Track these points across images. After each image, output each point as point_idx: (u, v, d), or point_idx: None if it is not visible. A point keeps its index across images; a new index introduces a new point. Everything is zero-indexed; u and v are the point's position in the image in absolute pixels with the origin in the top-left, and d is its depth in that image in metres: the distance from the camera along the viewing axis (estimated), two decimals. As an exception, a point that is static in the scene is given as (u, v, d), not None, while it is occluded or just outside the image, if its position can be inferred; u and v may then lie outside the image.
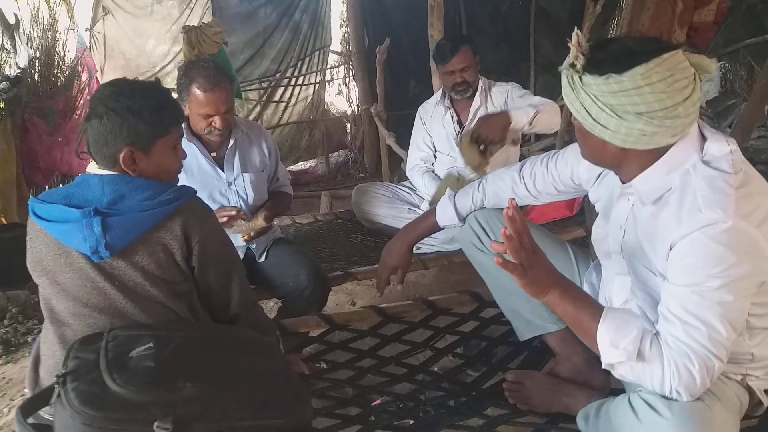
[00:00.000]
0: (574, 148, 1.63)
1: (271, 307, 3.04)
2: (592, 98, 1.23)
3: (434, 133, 3.07)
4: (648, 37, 1.27)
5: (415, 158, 3.15)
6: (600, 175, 1.58)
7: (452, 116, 2.98)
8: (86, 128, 1.44)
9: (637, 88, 1.17)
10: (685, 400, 1.21)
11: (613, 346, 1.25)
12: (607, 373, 1.35)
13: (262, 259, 2.42)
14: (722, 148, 1.25)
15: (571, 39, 1.24)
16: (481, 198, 1.89)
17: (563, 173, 1.70)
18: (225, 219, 2.21)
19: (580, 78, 1.24)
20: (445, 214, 1.94)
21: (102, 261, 1.40)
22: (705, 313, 1.18)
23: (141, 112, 1.43)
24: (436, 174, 3.06)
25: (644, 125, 1.19)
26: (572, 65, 1.25)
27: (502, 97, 2.92)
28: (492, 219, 1.83)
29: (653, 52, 1.17)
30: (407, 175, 3.23)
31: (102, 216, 1.36)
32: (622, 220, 1.44)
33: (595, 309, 1.33)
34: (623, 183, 1.38)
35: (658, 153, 1.27)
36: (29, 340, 2.99)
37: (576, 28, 1.27)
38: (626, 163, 1.32)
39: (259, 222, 2.24)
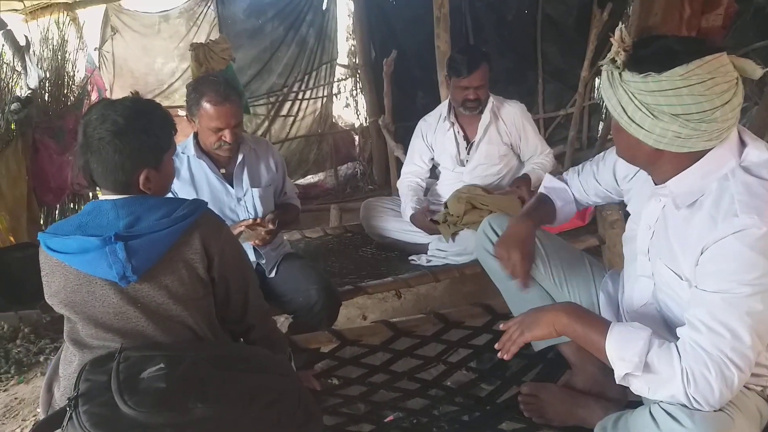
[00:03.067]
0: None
1: (281, 322, 3.02)
2: (629, 95, 1.22)
3: (437, 148, 3.05)
4: (693, 38, 1.25)
5: (406, 171, 3.18)
6: (636, 171, 1.55)
7: (457, 132, 2.97)
8: (87, 160, 1.41)
9: (675, 89, 1.15)
10: (706, 410, 1.18)
11: (620, 359, 1.25)
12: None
13: (272, 274, 2.41)
14: (762, 154, 1.23)
15: (617, 34, 1.22)
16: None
17: (607, 172, 1.68)
18: (242, 229, 2.22)
19: (620, 74, 1.23)
20: (557, 191, 1.85)
21: (127, 285, 1.40)
22: (732, 321, 1.15)
23: (153, 131, 1.44)
24: (424, 184, 3.11)
25: (679, 127, 1.18)
26: (613, 60, 1.24)
27: (516, 120, 2.92)
28: (505, 224, 1.80)
29: (695, 53, 1.16)
30: (397, 184, 3.24)
31: (124, 240, 1.35)
32: (651, 221, 1.41)
33: (603, 326, 1.31)
34: (656, 184, 1.36)
35: (694, 156, 1.24)
36: (41, 360, 2.99)
37: (621, 23, 1.26)
38: (660, 163, 1.30)
39: (267, 226, 2.25)
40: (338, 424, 1.81)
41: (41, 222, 4.37)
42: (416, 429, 1.81)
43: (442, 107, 3.06)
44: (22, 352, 3.04)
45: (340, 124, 6.98)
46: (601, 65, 1.28)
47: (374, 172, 6.40)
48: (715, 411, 1.20)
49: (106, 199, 1.44)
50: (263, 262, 2.40)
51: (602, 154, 1.72)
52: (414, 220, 2.90)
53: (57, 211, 4.69)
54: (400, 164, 4.66)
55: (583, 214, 3.01)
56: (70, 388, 1.38)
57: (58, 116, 4.71)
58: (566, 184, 1.85)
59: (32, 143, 4.24)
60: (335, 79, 6.55)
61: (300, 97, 6.39)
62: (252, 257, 2.35)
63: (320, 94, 6.47)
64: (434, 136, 3.05)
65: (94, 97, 5.30)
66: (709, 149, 1.23)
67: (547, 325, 1.38)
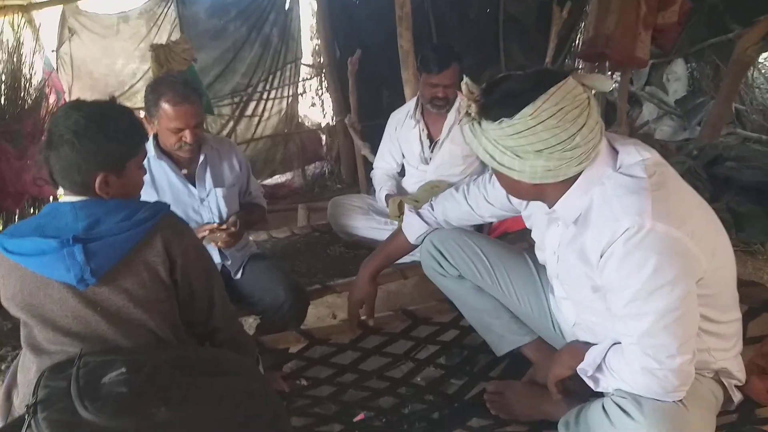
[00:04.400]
0: None
1: (250, 323, 2.99)
2: (492, 143, 1.25)
3: (403, 145, 3.08)
4: (532, 72, 1.28)
5: (378, 166, 3.23)
6: (528, 201, 1.58)
7: (422, 130, 2.98)
8: (48, 156, 1.39)
9: (529, 128, 1.19)
10: (675, 399, 1.25)
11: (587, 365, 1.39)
12: None
13: (239, 275, 2.39)
14: (633, 157, 1.27)
15: (463, 88, 1.27)
16: (434, 216, 1.89)
17: (500, 196, 1.69)
18: (206, 233, 2.19)
19: (479, 124, 1.26)
20: (412, 228, 1.92)
21: (86, 288, 1.37)
22: (655, 330, 1.21)
23: (116, 136, 1.41)
24: (398, 179, 3.14)
25: (546, 161, 1.22)
26: (467, 114, 1.27)
27: None
28: (447, 241, 1.84)
29: (537, 88, 1.18)
30: (371, 175, 3.28)
31: (82, 242, 1.32)
32: (555, 246, 1.45)
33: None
34: (548, 209, 1.39)
35: (572, 179, 1.28)
36: (2, 368, 2.91)
37: (465, 77, 1.29)
38: (545, 194, 1.34)
39: (230, 229, 2.23)
40: (308, 425, 1.80)
41: (0, 227, 4.25)
42: (386, 428, 1.82)
43: (410, 104, 3.08)
44: (-19, 361, 2.96)
45: (306, 123, 6.95)
46: (460, 123, 1.32)
47: (342, 171, 6.39)
48: (665, 403, 1.25)
49: (65, 201, 1.42)
50: (228, 263, 2.37)
51: (486, 176, 1.74)
52: (389, 199, 2.95)
53: (17, 216, 4.57)
54: (367, 163, 4.67)
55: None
56: (29, 395, 1.35)
57: (15, 120, 4.58)
58: (432, 210, 1.89)
59: (-12, 147, 4.13)
60: (300, 79, 6.52)
61: (265, 96, 6.35)
62: (217, 259, 2.32)
63: (285, 94, 6.43)
64: (401, 132, 3.07)
65: (51, 99, 5.17)
66: (582, 171, 1.26)
67: (565, 365, 1.50)
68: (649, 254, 1.16)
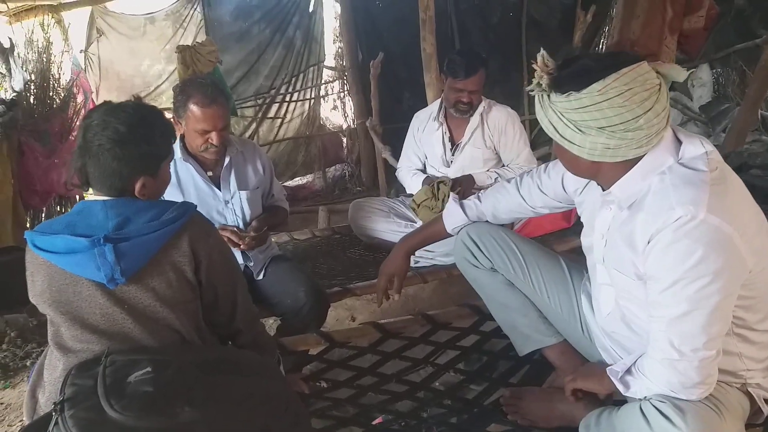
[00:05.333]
0: None
1: (270, 324, 3.02)
2: (558, 115, 1.27)
3: (425, 146, 3.10)
4: (609, 53, 1.31)
5: (402, 165, 3.24)
6: (585, 185, 1.59)
7: (444, 132, 3.00)
8: (85, 163, 1.41)
9: (595, 104, 1.21)
10: (694, 398, 1.26)
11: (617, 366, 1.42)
12: None
13: (260, 277, 2.41)
14: (697, 149, 1.27)
15: (539, 60, 1.28)
16: (482, 209, 1.89)
17: (555, 184, 1.71)
18: (229, 235, 2.22)
19: (548, 96, 1.29)
20: (453, 218, 1.93)
21: (115, 287, 1.39)
22: (687, 319, 1.22)
23: (155, 141, 1.45)
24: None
25: (607, 139, 1.23)
26: (538, 84, 1.30)
27: (499, 123, 2.94)
28: (484, 234, 1.84)
29: (610, 67, 1.20)
30: (396, 174, 3.29)
31: (113, 242, 1.34)
32: (604, 230, 1.45)
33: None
34: (603, 191, 1.40)
35: (631, 163, 1.29)
36: (28, 364, 2.97)
37: (542, 49, 1.31)
38: (602, 173, 1.35)
39: (250, 234, 2.27)
40: (327, 427, 1.81)
41: (27, 226, 4.33)
42: (405, 431, 1.82)
43: (434, 106, 3.09)
44: (8, 356, 3.02)
45: (327, 126, 6.99)
46: (530, 91, 1.34)
47: (362, 173, 6.41)
48: (705, 410, 1.25)
49: (96, 200, 1.43)
50: (251, 264, 2.40)
51: (542, 167, 1.76)
52: (426, 180, 2.99)
53: (44, 214, 4.66)
54: (388, 166, 4.69)
55: (569, 215, 3.03)
56: (56, 393, 1.37)
57: (43, 119, 4.68)
58: (479, 202, 1.89)
59: (17, 146, 4.21)
60: (322, 81, 6.56)
61: (287, 99, 6.39)
62: (240, 260, 2.35)
63: (308, 96, 6.47)
64: (423, 134, 3.09)
65: (79, 99, 5.27)
66: (643, 155, 1.27)
67: (599, 380, 1.49)
68: (696, 244, 1.17)
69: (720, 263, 1.17)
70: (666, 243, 1.20)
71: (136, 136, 1.41)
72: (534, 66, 1.28)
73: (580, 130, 1.25)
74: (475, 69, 2.75)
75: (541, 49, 1.31)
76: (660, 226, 1.21)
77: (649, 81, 1.21)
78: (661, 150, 1.27)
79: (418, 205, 2.84)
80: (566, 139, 1.29)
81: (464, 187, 2.82)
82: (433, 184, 2.83)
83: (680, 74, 1.28)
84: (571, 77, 1.24)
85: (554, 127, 1.30)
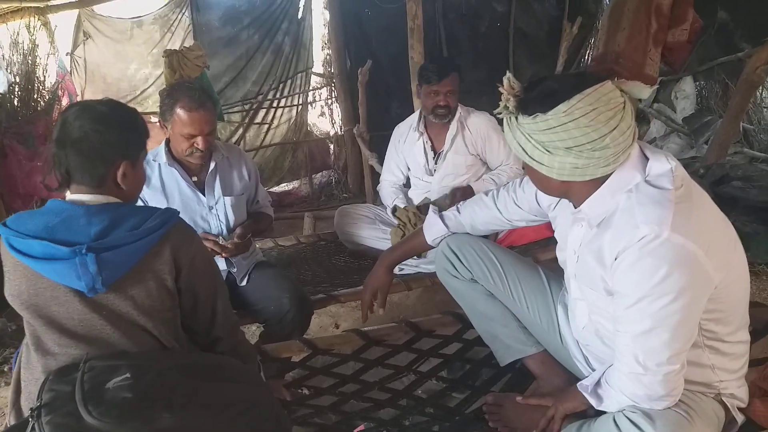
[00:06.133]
0: None
1: (253, 331, 3.01)
2: (526, 137, 1.30)
3: (407, 157, 3.13)
4: (572, 74, 1.33)
5: (384, 178, 3.29)
6: (558, 200, 1.62)
7: (425, 142, 3.02)
8: (65, 153, 1.38)
9: (562, 125, 1.23)
10: (660, 409, 1.30)
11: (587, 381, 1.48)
12: None
13: (244, 282, 2.40)
14: (663, 165, 1.29)
15: (505, 82, 1.32)
16: (460, 220, 1.91)
17: (530, 198, 1.74)
18: (211, 244, 2.21)
19: (516, 118, 1.31)
20: (433, 229, 1.95)
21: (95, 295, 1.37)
22: (650, 335, 1.25)
23: (134, 125, 1.46)
24: (404, 191, 3.20)
25: (575, 159, 1.25)
26: (506, 107, 1.32)
27: (481, 130, 2.98)
28: (464, 245, 1.86)
29: (575, 88, 1.23)
30: (377, 189, 3.33)
31: (95, 252, 1.32)
32: (576, 246, 1.47)
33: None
34: (575, 207, 1.42)
35: (600, 181, 1.31)
36: (5, 369, 2.93)
37: (508, 72, 1.34)
38: (572, 192, 1.38)
39: (234, 240, 2.26)
40: (308, 434, 1.81)
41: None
42: (386, 438, 1.82)
43: (413, 117, 3.12)
44: (-14, 361, 2.98)
45: (315, 132, 6.98)
46: (497, 113, 1.36)
47: (349, 180, 6.41)
48: (676, 417, 1.28)
49: (77, 203, 1.40)
50: (234, 270, 2.39)
51: (517, 181, 1.80)
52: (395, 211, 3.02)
53: (25, 218, 4.60)
54: (374, 173, 4.69)
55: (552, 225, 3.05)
56: (35, 394, 1.36)
57: (27, 121, 4.64)
58: (458, 214, 1.92)
59: (0, 148, 4.17)
60: (310, 88, 6.56)
61: (275, 104, 6.38)
62: (222, 266, 2.34)
63: (295, 102, 6.46)
64: (404, 145, 3.12)
65: (64, 102, 5.23)
66: (611, 173, 1.29)
67: (579, 399, 1.48)
68: (660, 262, 1.19)
69: (684, 281, 1.20)
70: (631, 261, 1.23)
71: (116, 116, 1.42)
72: (500, 89, 1.31)
73: (548, 151, 1.27)
74: (447, 72, 2.82)
75: (507, 72, 1.34)
76: (626, 244, 1.23)
77: (613, 100, 1.23)
78: (628, 168, 1.29)
79: (397, 225, 2.89)
80: (535, 160, 1.31)
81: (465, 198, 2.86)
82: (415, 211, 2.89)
83: (643, 92, 1.32)
84: (537, 99, 1.27)
85: (523, 148, 1.32)
